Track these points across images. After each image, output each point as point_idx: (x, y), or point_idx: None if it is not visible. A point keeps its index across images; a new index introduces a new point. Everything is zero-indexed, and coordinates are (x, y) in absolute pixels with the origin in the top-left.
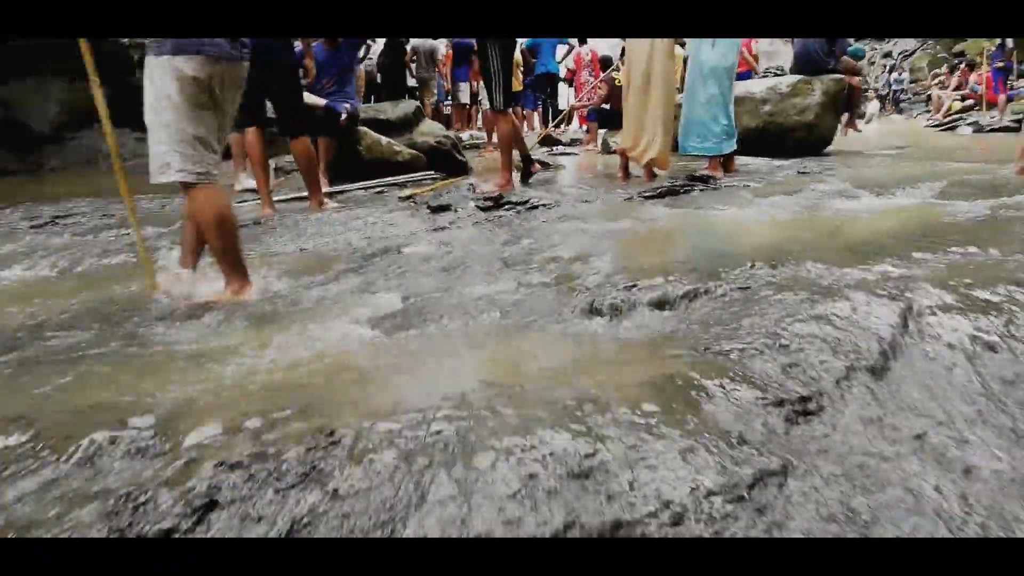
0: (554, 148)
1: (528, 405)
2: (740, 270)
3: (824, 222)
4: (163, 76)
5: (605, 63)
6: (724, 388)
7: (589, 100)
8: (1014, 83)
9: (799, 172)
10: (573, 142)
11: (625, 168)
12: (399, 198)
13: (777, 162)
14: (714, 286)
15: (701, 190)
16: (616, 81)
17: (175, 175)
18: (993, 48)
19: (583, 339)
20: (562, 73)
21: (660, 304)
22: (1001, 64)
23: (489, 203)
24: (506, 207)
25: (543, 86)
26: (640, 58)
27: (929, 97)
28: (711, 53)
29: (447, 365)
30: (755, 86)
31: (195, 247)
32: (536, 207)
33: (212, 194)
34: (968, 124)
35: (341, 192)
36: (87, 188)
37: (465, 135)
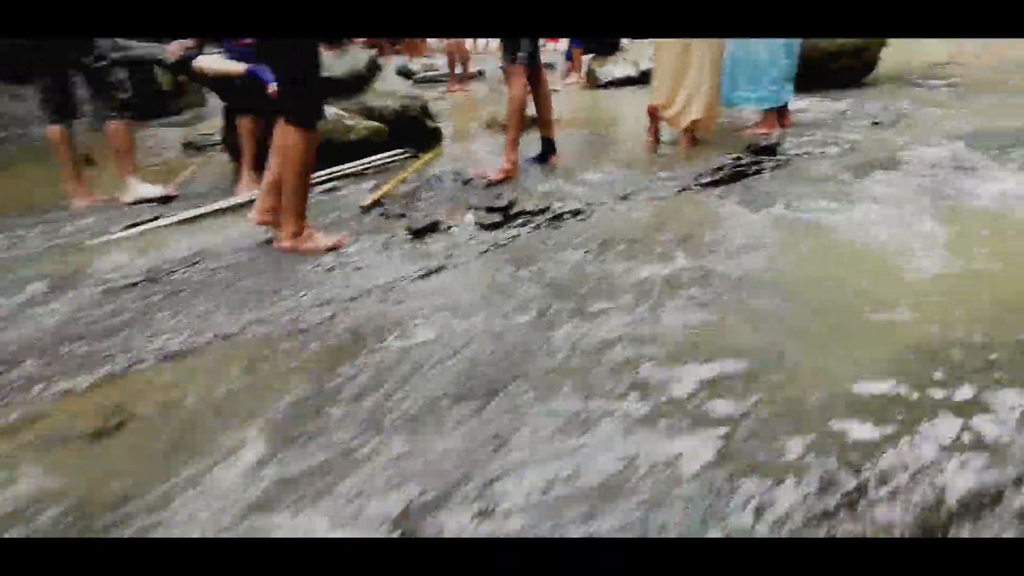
0: None
1: None
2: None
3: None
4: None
5: None
6: None
7: None
8: None
9: (872, 123)
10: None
11: (656, 132)
12: (360, 207)
13: (830, 102)
14: None
15: (773, 168)
16: None
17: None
18: None
19: None
20: None
21: None
22: None
23: (495, 215)
24: (520, 220)
25: None
26: None
27: None
28: None
29: None
30: None
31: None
32: (562, 216)
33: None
34: None
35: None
36: None
37: (415, 65)
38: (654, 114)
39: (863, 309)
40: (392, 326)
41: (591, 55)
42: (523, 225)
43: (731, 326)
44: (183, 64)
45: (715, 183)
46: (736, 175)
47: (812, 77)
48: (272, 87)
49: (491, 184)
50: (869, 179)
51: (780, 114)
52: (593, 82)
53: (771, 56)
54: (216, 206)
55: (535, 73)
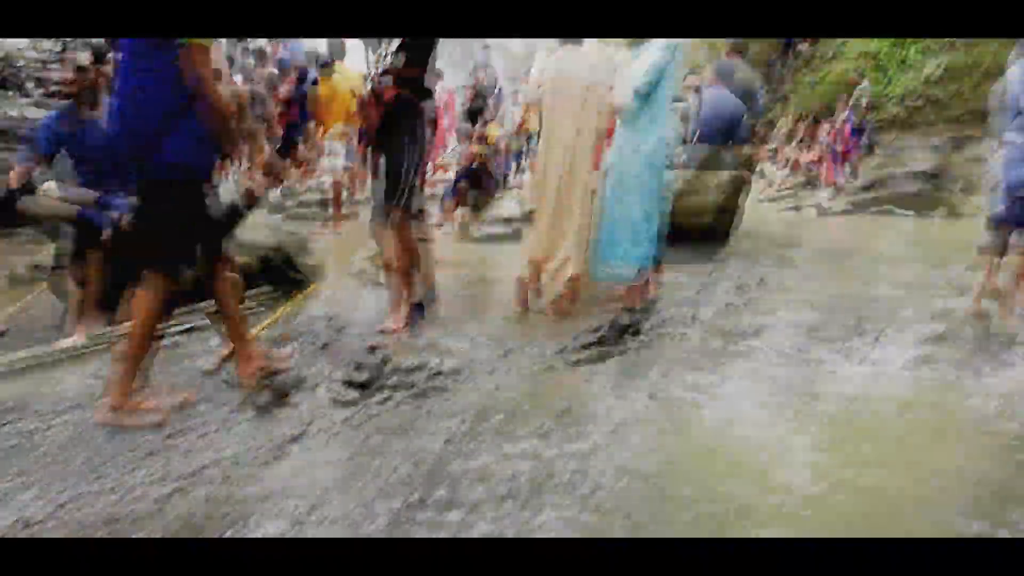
0: None
1: None
2: None
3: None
4: None
5: (473, 114)
6: None
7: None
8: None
9: (736, 288)
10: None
11: (531, 291)
12: (203, 371)
13: (696, 265)
14: None
15: (638, 349)
16: (489, 140)
17: None
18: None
19: None
20: None
21: None
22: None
23: (356, 386)
24: (389, 385)
25: None
26: (569, 123)
27: (762, 173)
28: (645, 138)
29: None
30: None
31: None
32: (438, 376)
33: None
34: (811, 204)
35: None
36: None
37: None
38: (536, 271)
39: (738, 523)
40: (234, 516)
41: (464, 208)
42: (395, 388)
43: (608, 533)
44: (5, 202)
45: (584, 360)
46: (603, 355)
47: (678, 237)
48: (107, 232)
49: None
50: (732, 363)
51: (645, 285)
52: (463, 230)
53: (639, 231)
54: (47, 349)
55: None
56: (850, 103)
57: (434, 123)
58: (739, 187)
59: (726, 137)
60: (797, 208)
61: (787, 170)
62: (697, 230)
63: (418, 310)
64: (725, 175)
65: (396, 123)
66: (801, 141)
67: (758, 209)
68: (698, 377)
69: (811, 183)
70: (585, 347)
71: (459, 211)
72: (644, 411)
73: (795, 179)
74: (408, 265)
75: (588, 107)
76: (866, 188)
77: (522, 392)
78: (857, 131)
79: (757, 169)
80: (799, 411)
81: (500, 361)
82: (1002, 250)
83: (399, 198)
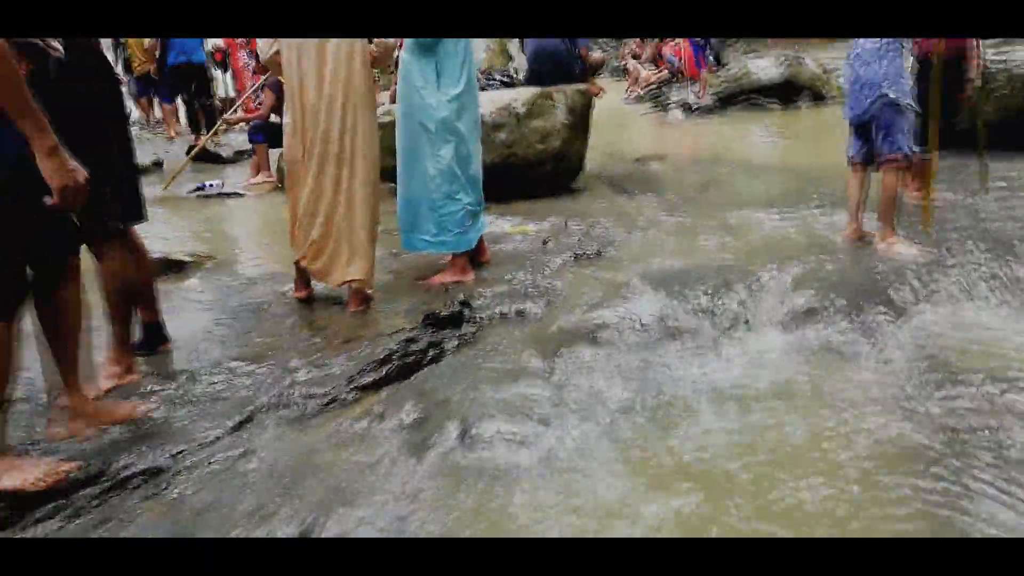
0: (208, 185)
1: None
2: None
3: None
4: None
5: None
6: None
7: (250, 111)
8: (709, 57)
9: (575, 256)
10: (238, 158)
11: (307, 291)
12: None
13: (533, 223)
14: None
15: (456, 347)
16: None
17: None
18: None
19: None
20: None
21: None
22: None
23: None
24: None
25: (184, 81)
26: (311, 81)
27: (625, 69)
28: (437, 96)
29: None
30: (484, 107)
31: None
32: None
33: None
34: (678, 106)
35: None
36: None
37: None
38: (300, 268)
39: None
40: None
41: (277, 150)
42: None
43: None
44: None
45: (376, 383)
46: (406, 368)
47: (516, 186)
48: None
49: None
50: (565, 369)
51: (476, 249)
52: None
53: (449, 194)
54: None
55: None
56: None
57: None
58: (589, 103)
59: (555, 77)
60: (664, 108)
61: (652, 66)
62: (544, 163)
63: (144, 344)
64: (571, 89)
65: None
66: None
67: (622, 113)
68: (519, 413)
69: (676, 76)
70: (385, 361)
71: (272, 155)
72: (445, 486)
73: (660, 75)
74: (124, 289)
75: (339, 60)
76: (729, 82)
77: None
78: (700, 48)
79: (622, 66)
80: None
81: (264, 408)
82: (865, 160)
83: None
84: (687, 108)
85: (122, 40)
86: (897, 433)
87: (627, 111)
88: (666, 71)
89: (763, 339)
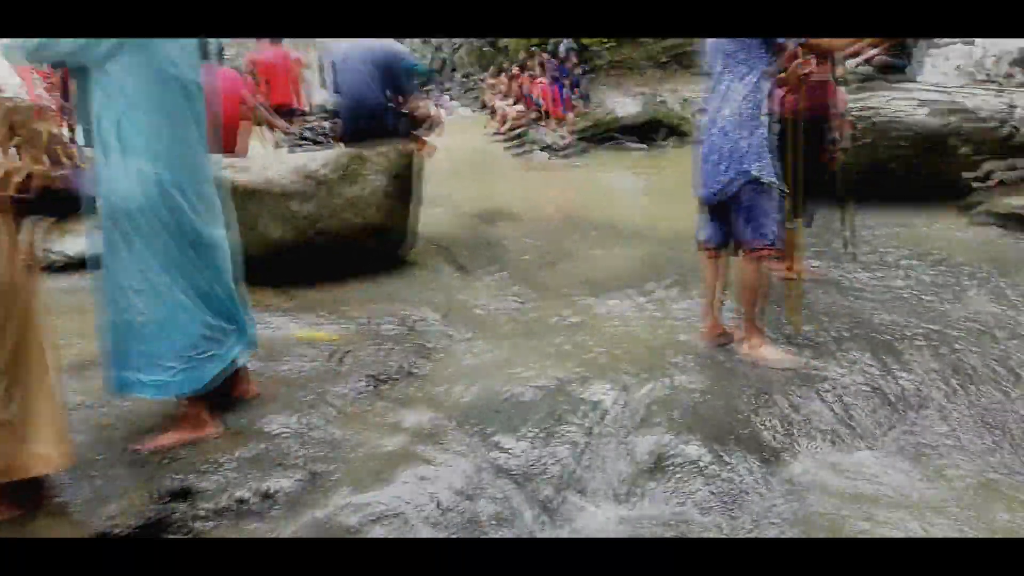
0: None
1: None
2: None
3: None
4: None
5: None
6: None
7: None
8: (576, 96)
9: (376, 384)
10: None
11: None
12: None
13: (330, 324)
14: None
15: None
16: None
17: None
18: (547, 55)
19: None
20: None
21: None
22: (556, 75)
23: None
24: None
25: None
26: None
27: (487, 107)
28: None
29: None
30: (272, 170)
31: None
32: None
33: None
34: (540, 149)
35: None
36: None
37: None
38: None
39: None
40: None
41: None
42: None
43: None
44: None
45: None
46: None
47: (325, 267)
48: None
49: None
50: None
51: (231, 384)
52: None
53: (170, 315)
54: None
55: None
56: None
57: None
58: (410, 163)
59: (373, 133)
60: (528, 150)
61: (519, 104)
62: (361, 238)
63: None
64: (392, 148)
65: None
66: (507, 96)
67: (485, 152)
68: None
69: (543, 116)
70: None
71: None
72: None
73: (527, 114)
74: None
75: None
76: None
77: None
78: (565, 87)
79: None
80: None
81: None
82: (721, 244)
83: None
84: (552, 149)
85: None
86: None
87: (490, 150)
88: (533, 111)
89: (595, 518)
